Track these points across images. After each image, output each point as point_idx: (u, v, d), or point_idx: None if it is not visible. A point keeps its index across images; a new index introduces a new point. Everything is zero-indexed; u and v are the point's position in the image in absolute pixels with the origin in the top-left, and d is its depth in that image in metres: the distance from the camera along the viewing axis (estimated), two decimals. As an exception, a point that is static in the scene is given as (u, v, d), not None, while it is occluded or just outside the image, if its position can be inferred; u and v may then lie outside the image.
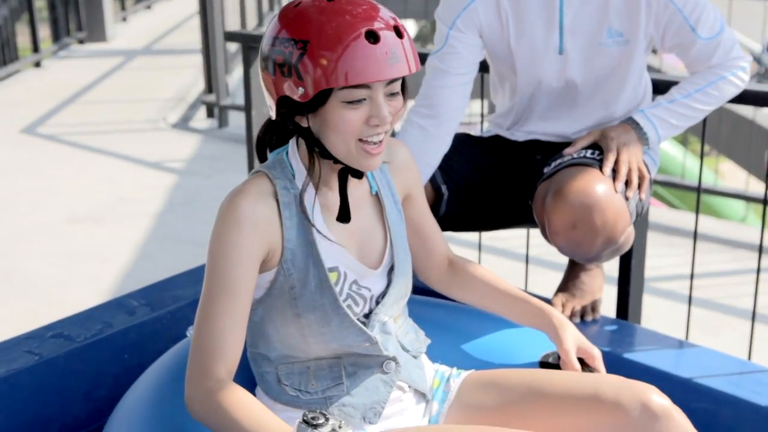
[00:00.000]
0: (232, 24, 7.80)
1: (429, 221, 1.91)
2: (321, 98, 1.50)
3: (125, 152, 6.12)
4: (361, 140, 1.55)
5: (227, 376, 1.53)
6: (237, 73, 7.83)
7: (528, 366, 1.91)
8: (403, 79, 1.56)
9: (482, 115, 3.12)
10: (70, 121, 6.97)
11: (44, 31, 9.82)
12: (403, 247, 1.75)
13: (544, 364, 1.91)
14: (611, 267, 2.74)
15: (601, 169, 2.17)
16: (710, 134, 7.90)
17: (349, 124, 1.52)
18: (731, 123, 7.82)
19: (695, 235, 2.82)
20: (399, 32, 1.51)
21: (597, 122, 2.38)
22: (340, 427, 1.39)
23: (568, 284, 2.49)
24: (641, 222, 2.64)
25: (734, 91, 2.32)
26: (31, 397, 2.08)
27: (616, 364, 2.12)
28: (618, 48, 2.28)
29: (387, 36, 1.49)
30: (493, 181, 2.45)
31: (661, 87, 2.44)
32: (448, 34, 2.30)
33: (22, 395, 2.06)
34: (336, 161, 1.57)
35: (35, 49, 9.06)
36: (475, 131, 2.67)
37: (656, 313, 3.62)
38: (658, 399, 1.61)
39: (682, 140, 9.13)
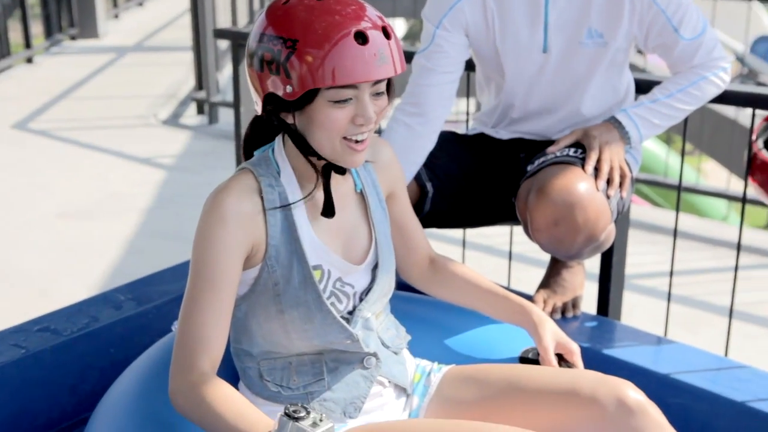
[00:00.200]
0: (224, 22, 7.79)
1: (411, 219, 1.91)
2: (308, 97, 1.50)
3: (116, 148, 6.11)
4: (345, 138, 1.54)
5: (211, 370, 1.53)
6: (227, 71, 7.81)
7: (508, 361, 1.91)
8: (389, 79, 1.56)
9: (468, 114, 3.12)
10: (62, 117, 6.95)
11: (36, 28, 9.79)
12: (387, 244, 1.76)
13: (523, 360, 1.91)
14: (592, 264, 2.75)
15: (583, 167, 2.18)
16: (693, 133, 7.94)
17: (335, 123, 1.52)
18: (714, 123, 7.85)
19: (675, 233, 2.83)
20: (387, 33, 1.51)
21: (578, 122, 2.38)
22: (321, 420, 1.39)
23: (549, 281, 2.50)
24: (622, 220, 2.65)
25: (715, 91, 2.33)
26: (18, 389, 2.07)
27: (596, 360, 2.13)
28: (596, 49, 2.28)
29: (375, 37, 1.49)
30: (477, 179, 2.45)
31: (643, 86, 2.44)
32: (435, 33, 2.30)
33: (8, 388, 2.06)
34: (320, 158, 1.57)
35: (27, 45, 9.03)
36: (460, 129, 2.67)
37: (637, 310, 3.63)
38: (634, 394, 1.62)
39: (666, 139, 9.16)
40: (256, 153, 1.66)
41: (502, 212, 2.47)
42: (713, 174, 11.39)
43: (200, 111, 7.01)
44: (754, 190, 2.60)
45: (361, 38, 1.48)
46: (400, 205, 1.86)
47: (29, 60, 8.99)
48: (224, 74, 7.67)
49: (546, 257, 2.78)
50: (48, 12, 10.05)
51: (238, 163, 3.81)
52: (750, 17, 7.12)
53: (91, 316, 2.25)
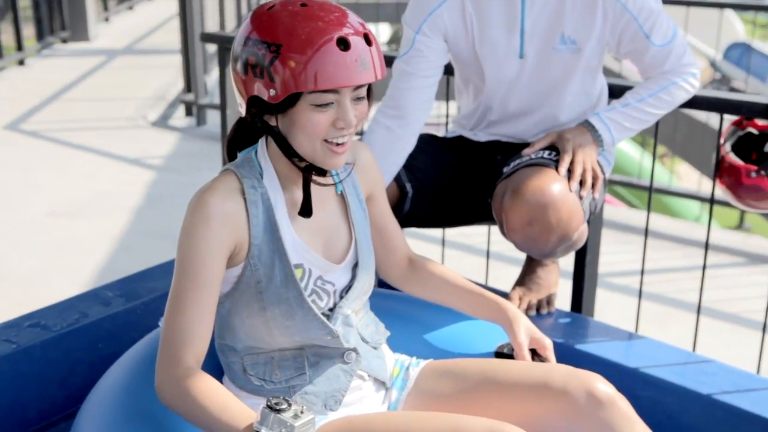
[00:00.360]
0: (212, 26, 7.77)
1: (391, 221, 1.93)
2: (291, 100, 1.51)
3: (106, 149, 6.09)
4: (326, 141, 1.56)
5: (196, 364, 1.54)
6: (215, 73, 7.79)
7: (483, 356, 1.93)
8: (369, 84, 1.58)
9: (447, 116, 3.13)
10: (53, 118, 6.92)
11: (28, 30, 9.73)
12: (367, 244, 1.77)
13: (498, 355, 1.93)
14: (567, 262, 2.76)
15: (557, 169, 2.19)
16: (667, 137, 7.98)
17: (316, 126, 1.53)
18: (687, 126, 7.89)
19: (646, 233, 2.85)
20: (368, 39, 1.52)
21: (553, 125, 2.40)
22: (302, 412, 1.40)
23: (525, 279, 2.51)
24: (595, 220, 2.67)
25: (685, 96, 2.35)
26: (9, 383, 2.08)
27: (569, 355, 2.15)
28: (570, 55, 2.30)
29: (357, 43, 1.50)
30: (455, 180, 2.46)
31: (616, 91, 2.46)
32: (415, 38, 2.31)
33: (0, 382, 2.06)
34: (302, 159, 1.59)
35: (19, 47, 8.98)
36: (440, 132, 2.68)
37: (609, 307, 3.66)
38: (603, 387, 1.63)
39: (641, 142, 9.19)
40: (239, 154, 1.67)
41: (480, 212, 2.48)
42: (687, 176, 11.44)
43: (188, 113, 6.99)
44: (722, 192, 2.63)
45: (343, 44, 1.49)
46: (379, 207, 1.88)
47: (21, 62, 8.94)
48: (212, 77, 7.65)
49: (522, 256, 2.79)
50: (39, 15, 9.99)
51: (225, 163, 3.81)
52: (722, 24, 7.15)
53: (81, 312, 2.25)
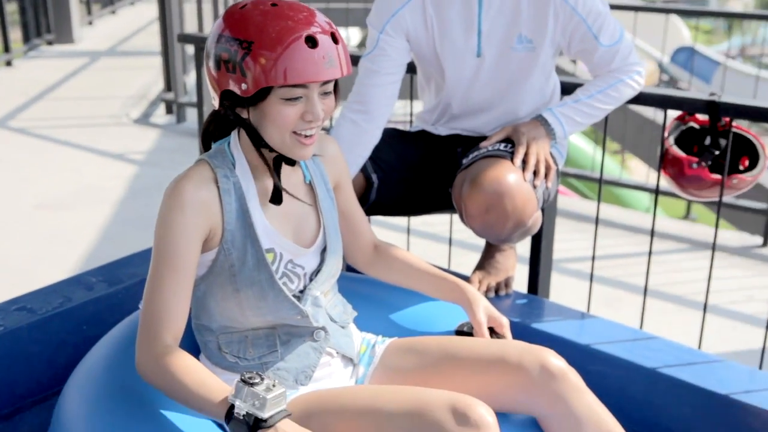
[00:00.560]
0: (191, 29, 7.72)
1: (357, 209, 1.93)
2: (261, 94, 1.51)
3: (91, 145, 6.04)
4: (295, 133, 1.56)
5: (173, 342, 1.54)
6: (193, 74, 7.75)
7: (445, 334, 1.94)
8: (336, 81, 1.58)
9: (411, 114, 3.14)
10: (40, 116, 6.86)
11: (15, 33, 9.63)
12: (335, 229, 1.77)
13: (459, 333, 1.94)
14: (524, 248, 2.78)
15: (512, 160, 2.21)
16: (617, 133, 8.04)
17: (286, 119, 1.53)
18: (636, 123, 7.95)
19: (596, 222, 2.87)
20: (335, 38, 1.53)
21: (509, 119, 2.41)
22: (273, 386, 1.40)
23: (484, 263, 2.53)
24: (550, 209, 2.69)
25: (631, 93, 2.37)
26: (-2, 363, 2.07)
27: (526, 333, 2.16)
28: (527, 53, 2.31)
29: (324, 41, 1.50)
30: (418, 171, 2.47)
31: (568, 88, 2.48)
32: (379, 38, 2.32)
33: (-11, 362, 2.05)
34: (272, 150, 1.59)
35: (6, 49, 8.88)
36: (404, 127, 2.69)
37: (563, 289, 3.68)
38: (555, 361, 1.65)
39: (594, 138, 9.25)
40: (213, 146, 1.67)
41: (441, 201, 2.49)
42: (639, 171, 11.53)
43: (169, 111, 6.95)
44: (666, 182, 2.65)
45: (311, 42, 1.49)
46: (346, 196, 1.88)
47: (9, 63, 8.84)
48: (191, 77, 7.61)
49: (482, 243, 2.81)
50: (26, 19, 9.90)
51: (202, 157, 3.79)
52: (668, 29, 7.20)
53: (65, 296, 2.24)
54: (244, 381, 1.40)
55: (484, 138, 2.41)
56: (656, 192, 2.75)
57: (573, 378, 1.64)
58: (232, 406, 1.40)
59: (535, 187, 2.21)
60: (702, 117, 2.57)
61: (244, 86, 1.50)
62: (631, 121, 7.88)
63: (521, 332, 2.10)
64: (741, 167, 2.57)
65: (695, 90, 11.10)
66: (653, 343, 2.17)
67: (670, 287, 3.83)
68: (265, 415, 1.38)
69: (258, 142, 1.58)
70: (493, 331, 1.88)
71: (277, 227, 1.65)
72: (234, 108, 1.56)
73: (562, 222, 4.43)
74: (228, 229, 1.59)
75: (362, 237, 1.95)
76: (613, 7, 2.39)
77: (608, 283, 3.85)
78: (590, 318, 2.33)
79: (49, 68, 8.79)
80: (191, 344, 1.72)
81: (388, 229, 4.17)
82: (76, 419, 1.67)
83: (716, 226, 2.66)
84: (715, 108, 2.44)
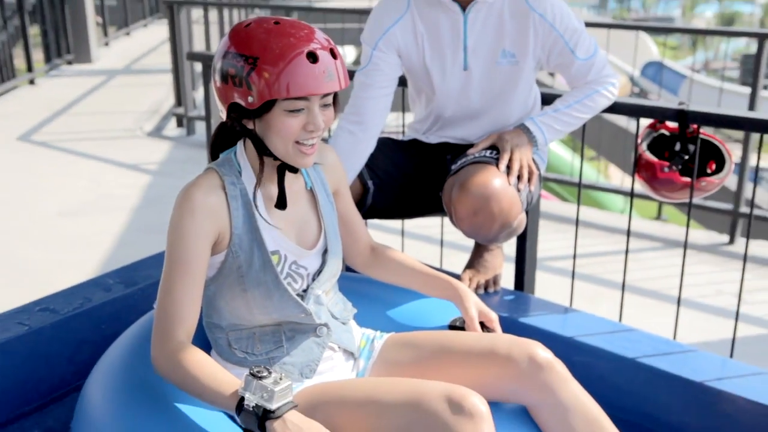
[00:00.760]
0: (199, 49, 7.70)
1: (355, 214, 1.91)
2: (266, 106, 1.50)
3: (107, 156, 6.03)
4: (298, 142, 1.54)
5: (186, 339, 1.52)
6: (202, 89, 7.73)
7: (438, 329, 1.92)
8: (335, 93, 1.56)
9: (403, 125, 3.12)
10: (60, 130, 6.84)
11: (38, 54, 9.62)
12: (335, 233, 1.75)
13: (452, 327, 1.92)
14: (510, 248, 2.77)
15: (497, 165, 2.19)
16: (593, 140, 8.04)
17: (289, 129, 1.52)
18: (610, 132, 7.95)
19: (577, 223, 2.86)
20: (333, 53, 1.51)
21: (494, 128, 2.39)
22: (281, 379, 1.39)
23: (474, 262, 2.51)
24: (533, 211, 2.67)
25: (606, 102, 2.36)
26: (23, 361, 2.05)
27: (514, 327, 2.15)
28: (510, 67, 2.30)
29: (324, 56, 1.49)
30: (411, 177, 2.46)
31: (548, 99, 2.47)
32: (372, 54, 2.30)
33: (15, 360, 2.03)
34: (276, 159, 1.57)
35: (29, 68, 8.87)
36: (397, 136, 2.67)
37: (548, 286, 3.66)
38: (543, 353, 1.63)
39: (572, 146, 9.26)
40: (221, 155, 1.65)
41: (432, 205, 2.47)
42: (615, 175, 11.56)
43: (179, 124, 6.93)
44: (641, 185, 2.64)
45: (312, 57, 1.48)
46: (344, 201, 1.86)
47: (32, 82, 8.82)
48: (199, 93, 7.59)
49: (471, 243, 2.79)
50: (48, 41, 9.90)
51: (211, 166, 3.77)
52: (638, 45, 7.20)
53: (85, 297, 2.22)
54: (252, 375, 1.38)
55: (471, 145, 2.40)
56: (631, 195, 2.74)
57: (559, 368, 1.62)
58: (242, 399, 1.38)
59: (519, 190, 2.20)
60: (672, 124, 2.56)
61: (250, 99, 1.48)
62: (606, 129, 7.88)
63: (509, 326, 2.08)
64: (708, 171, 2.56)
65: (664, 101, 11.12)
66: (632, 335, 2.16)
67: (646, 283, 3.82)
68: (273, 406, 1.36)
69: (263, 151, 1.56)
70: (483, 326, 1.86)
71: (281, 231, 1.63)
72: (241, 119, 1.54)
73: (544, 223, 4.42)
74: (236, 233, 1.57)
75: (360, 240, 1.93)
76: (588, 24, 2.38)
77: (588, 279, 3.84)
78: (573, 312, 2.31)
79: (69, 86, 8.77)
80: (203, 341, 1.70)
81: (383, 231, 4.16)
82: (97, 412, 1.66)
83: (687, 226, 2.64)
84: (683, 116, 2.44)
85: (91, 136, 6.66)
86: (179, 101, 6.85)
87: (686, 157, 2.50)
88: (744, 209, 4.40)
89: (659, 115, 2.53)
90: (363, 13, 6.69)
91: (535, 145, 2.30)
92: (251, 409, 1.37)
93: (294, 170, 1.60)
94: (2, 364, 2.01)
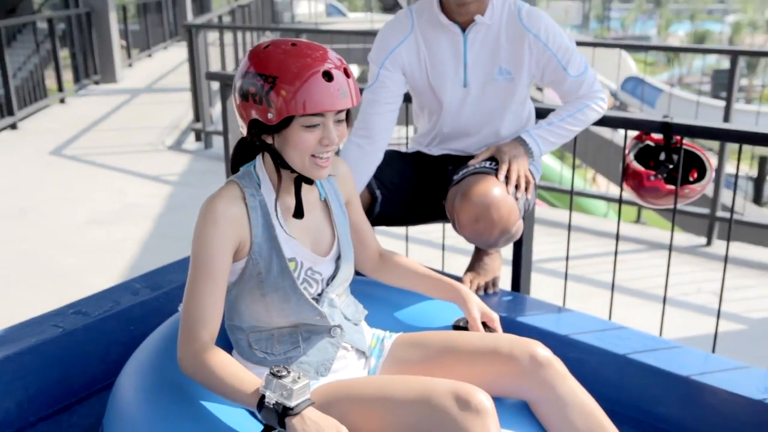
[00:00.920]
0: (215, 68, 7.70)
1: (365, 223, 1.89)
2: (285, 122, 1.48)
3: (132, 168, 6.03)
4: (314, 156, 1.52)
5: (210, 340, 1.50)
6: (218, 106, 7.73)
7: (444, 329, 1.90)
8: (348, 110, 1.54)
9: (407, 138, 3.10)
10: (88, 145, 6.85)
11: (67, 75, 9.65)
12: (347, 240, 1.73)
13: (456, 327, 1.90)
14: (507, 252, 2.75)
15: (496, 175, 2.17)
16: (580, 151, 8.02)
17: (306, 144, 1.50)
18: (596, 143, 7.94)
19: (569, 227, 2.84)
20: (347, 72, 1.50)
21: (493, 140, 2.37)
22: (299, 378, 1.37)
23: (474, 265, 2.49)
24: (529, 217, 2.65)
25: (596, 116, 2.34)
26: (57, 360, 2.03)
27: (512, 326, 2.13)
28: (506, 83, 2.28)
29: (338, 75, 1.47)
30: (415, 187, 2.43)
31: (542, 113, 2.45)
32: (379, 72, 2.29)
33: (49, 360, 2.02)
34: (293, 171, 1.55)
35: (60, 88, 8.90)
36: (402, 149, 2.65)
37: (542, 287, 3.65)
38: (542, 351, 1.61)
39: (560, 156, 9.25)
40: (241, 169, 1.63)
41: (436, 212, 2.45)
42: (602, 182, 11.54)
43: (198, 138, 6.94)
44: (628, 193, 2.62)
45: (328, 76, 1.46)
46: (355, 211, 1.84)
47: (62, 101, 8.85)
48: (216, 109, 7.60)
49: (471, 247, 2.77)
50: (76, 63, 9.97)
51: (229, 177, 3.75)
52: (620, 62, 7.20)
53: (114, 301, 2.20)
54: (273, 374, 1.37)
55: (471, 157, 2.38)
56: (620, 201, 2.72)
57: (558, 366, 1.60)
58: (263, 397, 1.36)
59: (517, 199, 2.17)
60: (657, 136, 2.54)
61: (269, 115, 1.47)
62: (592, 141, 7.87)
63: (508, 325, 2.06)
64: (691, 179, 2.54)
65: (647, 114, 11.11)
66: (622, 333, 2.13)
67: (632, 282, 3.80)
68: (292, 403, 1.34)
69: (281, 164, 1.54)
70: (485, 325, 1.84)
71: (297, 239, 1.61)
72: (260, 135, 1.52)
73: (537, 228, 4.39)
74: (255, 242, 1.55)
75: (369, 246, 1.91)
76: (576, 43, 2.37)
77: (579, 280, 3.82)
78: (566, 311, 2.29)
79: (96, 104, 8.79)
80: (225, 342, 1.68)
81: (389, 237, 4.14)
82: (128, 407, 1.65)
83: (672, 230, 2.62)
84: (668, 128, 2.42)
85: (116, 150, 6.66)
86: (197, 117, 6.85)
87: (671, 166, 2.48)
88: (720, 213, 4.38)
89: (645, 127, 2.51)
90: (367, 35, 6.69)
91: (531, 157, 2.27)
92: (272, 406, 1.35)
93: (310, 182, 1.58)
94: (39, 364, 1.99)
